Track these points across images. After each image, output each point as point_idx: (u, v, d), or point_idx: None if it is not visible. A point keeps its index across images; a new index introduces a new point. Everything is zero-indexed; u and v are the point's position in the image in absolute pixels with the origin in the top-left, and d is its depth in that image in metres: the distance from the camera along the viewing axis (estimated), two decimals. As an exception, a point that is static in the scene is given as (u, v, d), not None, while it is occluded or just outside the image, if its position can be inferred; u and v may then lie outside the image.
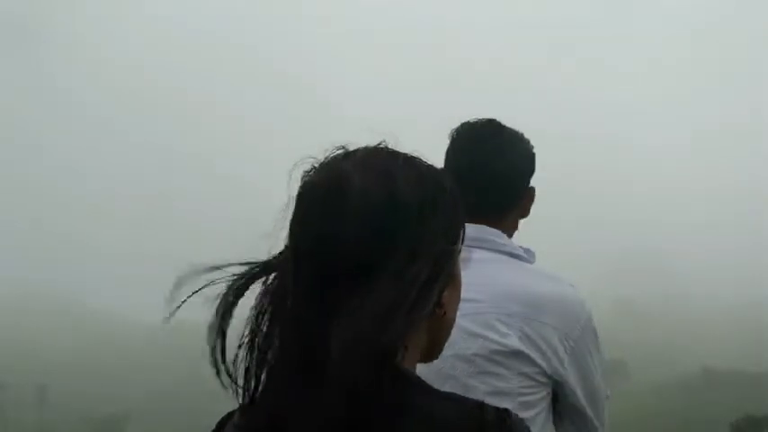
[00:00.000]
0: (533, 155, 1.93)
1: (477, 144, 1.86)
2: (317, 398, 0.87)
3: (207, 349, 0.95)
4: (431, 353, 1.03)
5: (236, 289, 0.96)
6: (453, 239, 0.97)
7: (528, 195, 1.91)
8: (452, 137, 1.88)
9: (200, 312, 0.96)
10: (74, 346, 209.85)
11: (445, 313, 0.98)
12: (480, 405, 0.92)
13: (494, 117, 1.88)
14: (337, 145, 0.96)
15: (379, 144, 0.98)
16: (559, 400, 1.76)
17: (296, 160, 0.96)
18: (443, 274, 0.94)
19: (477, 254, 1.71)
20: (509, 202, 1.87)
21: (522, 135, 1.91)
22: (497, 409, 0.92)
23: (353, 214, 0.89)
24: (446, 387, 1.48)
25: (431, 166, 0.98)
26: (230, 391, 0.96)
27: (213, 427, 1.01)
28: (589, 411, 1.78)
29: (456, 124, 1.88)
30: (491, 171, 1.83)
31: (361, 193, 0.90)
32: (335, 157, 0.95)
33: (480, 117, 1.91)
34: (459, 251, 1.00)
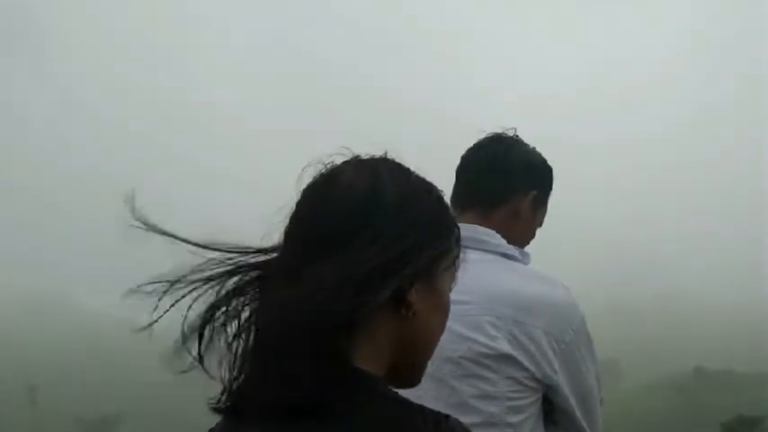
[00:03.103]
0: (539, 163, 1.92)
1: (484, 141, 1.92)
2: (267, 382, 0.91)
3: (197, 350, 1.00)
4: (406, 359, 1.02)
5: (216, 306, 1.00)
6: (431, 242, 0.98)
7: (525, 198, 1.87)
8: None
9: (194, 312, 0.99)
10: (66, 347, 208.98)
11: (414, 314, 0.98)
12: (420, 409, 0.92)
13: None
14: (343, 151, 1.03)
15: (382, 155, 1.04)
16: (553, 406, 1.73)
17: (304, 163, 1.01)
18: (409, 270, 0.95)
19: (470, 254, 1.63)
20: (496, 192, 1.85)
21: (533, 147, 1.92)
22: (437, 414, 0.93)
23: (335, 200, 0.96)
24: (433, 390, 1.57)
25: (421, 176, 1.03)
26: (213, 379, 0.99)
27: (206, 427, 1.02)
28: (580, 416, 1.74)
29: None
30: (484, 156, 1.87)
31: (346, 183, 0.97)
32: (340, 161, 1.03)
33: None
34: (444, 260, 1.02)
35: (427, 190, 1.02)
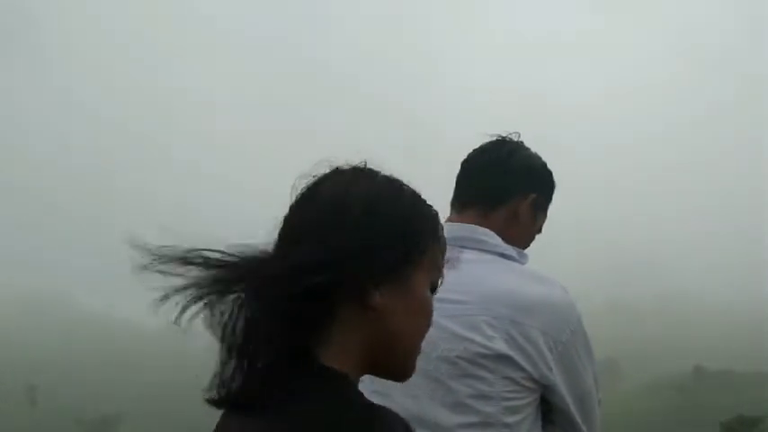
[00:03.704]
0: (540, 167, 1.93)
1: (487, 144, 1.93)
2: (235, 375, 0.99)
3: (196, 349, 1.05)
4: (385, 359, 1.05)
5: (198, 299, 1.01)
6: (397, 243, 1.02)
7: (524, 201, 1.88)
8: None
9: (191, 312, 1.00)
10: (66, 347, 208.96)
11: (379, 315, 1.01)
12: (378, 409, 0.96)
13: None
14: (327, 162, 1.08)
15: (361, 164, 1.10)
16: (551, 407, 1.73)
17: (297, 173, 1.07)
18: (369, 270, 0.99)
19: (467, 254, 1.70)
20: (496, 193, 1.86)
21: (535, 152, 1.94)
22: (365, 406, 0.97)
23: (314, 206, 1.04)
24: (429, 389, 1.62)
25: (394, 179, 1.08)
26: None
27: (206, 427, 1.05)
28: (577, 417, 1.74)
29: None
30: (487, 158, 1.89)
31: (323, 190, 1.04)
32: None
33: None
34: (417, 260, 1.04)
35: (399, 193, 1.06)
